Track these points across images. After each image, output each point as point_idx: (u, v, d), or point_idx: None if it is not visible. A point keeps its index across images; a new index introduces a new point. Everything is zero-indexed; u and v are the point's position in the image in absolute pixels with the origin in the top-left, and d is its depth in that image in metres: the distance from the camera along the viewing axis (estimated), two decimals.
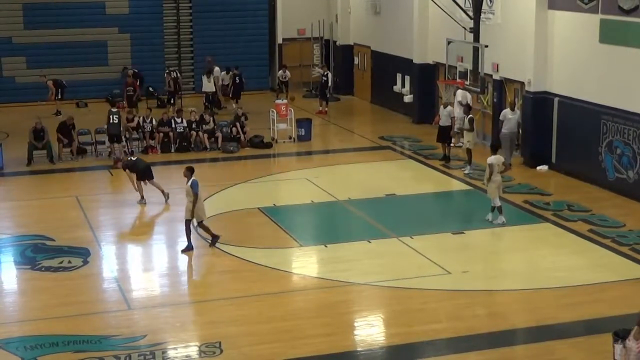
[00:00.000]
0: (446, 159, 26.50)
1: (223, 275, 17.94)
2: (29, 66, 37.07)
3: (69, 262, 18.57)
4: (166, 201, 22.75)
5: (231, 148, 28.41)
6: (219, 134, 28.76)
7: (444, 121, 26.72)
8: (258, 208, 22.19)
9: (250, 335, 14.95)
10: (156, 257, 19.48)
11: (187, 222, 19.09)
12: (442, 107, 27.43)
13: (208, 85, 35.21)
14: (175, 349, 14.52)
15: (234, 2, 39.18)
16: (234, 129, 29.00)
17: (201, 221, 19.18)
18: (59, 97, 34.66)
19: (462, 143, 25.97)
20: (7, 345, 14.52)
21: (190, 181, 18.94)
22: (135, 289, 17.46)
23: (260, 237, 20.06)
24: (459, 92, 27.87)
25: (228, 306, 16.22)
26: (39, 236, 20.15)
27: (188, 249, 19.01)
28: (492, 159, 20.71)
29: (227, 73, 36.38)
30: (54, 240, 19.89)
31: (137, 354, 14.15)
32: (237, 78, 35.78)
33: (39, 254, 19.05)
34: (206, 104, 34.01)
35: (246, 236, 20.09)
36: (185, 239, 19.10)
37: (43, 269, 18.20)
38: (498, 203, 20.70)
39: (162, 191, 22.88)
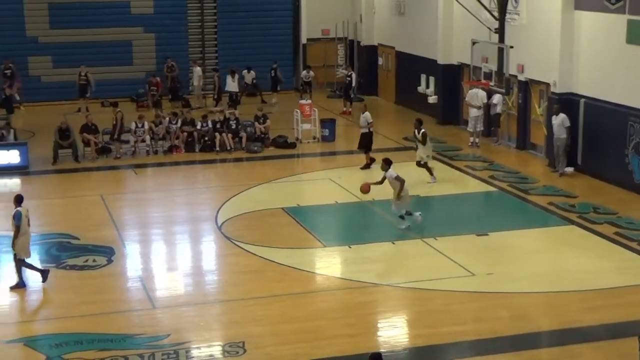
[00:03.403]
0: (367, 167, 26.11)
1: (247, 275, 17.95)
2: (54, 65, 37.30)
3: (94, 260, 18.65)
4: None
5: (255, 148, 28.45)
6: (243, 134, 28.80)
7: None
8: (282, 208, 22.20)
9: (274, 335, 14.96)
10: (180, 257, 19.52)
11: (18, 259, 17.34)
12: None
13: (232, 85, 35.39)
14: (198, 348, 14.55)
15: (259, 2, 39.26)
16: (257, 128, 29.10)
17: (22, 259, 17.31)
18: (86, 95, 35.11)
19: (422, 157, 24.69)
20: (33, 343, 14.62)
21: (15, 211, 17.05)
22: (159, 288, 17.51)
23: (284, 237, 20.07)
24: (473, 91, 28.17)
25: (251, 306, 16.24)
26: (64, 235, 20.26)
27: (18, 286, 17.22)
28: (392, 172, 20.45)
29: (248, 72, 36.99)
30: (78, 238, 19.98)
31: (161, 353, 14.19)
32: (273, 72, 37.18)
33: (64, 252, 19.16)
34: (230, 103, 34.13)
35: (270, 236, 20.10)
36: None
37: (68, 267, 18.30)
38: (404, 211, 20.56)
39: None
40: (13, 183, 25.66)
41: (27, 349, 14.44)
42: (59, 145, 27.22)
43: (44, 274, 17.36)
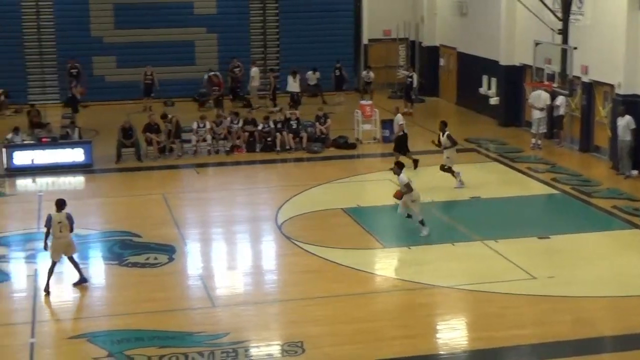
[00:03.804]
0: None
1: (306, 275, 17.98)
2: (118, 65, 37.81)
3: (155, 258, 18.85)
4: None
5: (315, 148, 28.51)
6: (303, 134, 28.88)
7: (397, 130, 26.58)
8: (341, 209, 22.20)
9: (332, 335, 14.97)
10: (240, 256, 19.63)
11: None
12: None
13: (293, 85, 35.53)
14: (257, 347, 14.61)
15: (320, 3, 39.34)
16: (318, 128, 29.17)
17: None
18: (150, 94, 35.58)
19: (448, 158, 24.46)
20: (95, 339, 14.81)
21: (48, 215, 17.22)
22: (219, 287, 17.64)
23: (343, 238, 20.07)
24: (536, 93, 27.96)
25: (310, 306, 16.26)
26: (126, 232, 20.51)
27: (80, 282, 17.41)
28: (403, 177, 20.10)
29: (314, 73, 37.18)
30: (140, 237, 20.21)
31: (220, 352, 14.28)
32: (337, 71, 37.38)
33: (127, 250, 19.39)
34: (291, 103, 34.26)
35: (329, 236, 20.11)
36: None
37: (130, 264, 18.53)
38: (421, 216, 20.20)
39: None
40: (77, 181, 26.09)
41: (90, 344, 14.63)
42: (122, 144, 27.58)
43: (46, 289, 16.88)
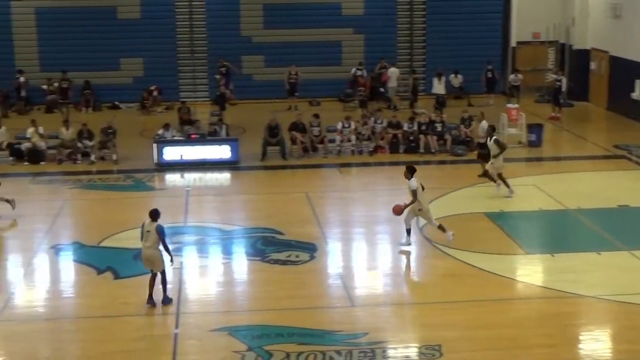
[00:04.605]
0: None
1: (445, 278, 17.87)
2: (266, 64, 38.46)
3: (297, 256, 19.09)
4: (13, 208, 22.11)
5: (459, 151, 28.28)
6: (448, 137, 28.69)
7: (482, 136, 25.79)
8: (484, 213, 21.96)
9: (470, 340, 14.83)
10: (380, 256, 19.67)
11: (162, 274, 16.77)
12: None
13: (438, 87, 35.35)
14: (395, 348, 14.62)
15: (469, 5, 38.94)
16: (463, 131, 28.92)
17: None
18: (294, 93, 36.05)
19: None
20: (236, 333, 15.12)
21: (156, 225, 16.47)
22: (358, 287, 17.72)
23: (485, 242, 19.83)
24: None
25: (449, 309, 16.15)
26: (269, 229, 20.83)
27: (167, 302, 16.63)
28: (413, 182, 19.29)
29: (455, 76, 36.98)
30: (283, 234, 20.50)
31: (358, 351, 14.35)
32: (488, 72, 37.07)
33: (269, 246, 19.71)
34: (435, 105, 34.09)
35: (470, 240, 19.91)
36: None
37: (272, 261, 18.82)
38: (408, 226, 19.49)
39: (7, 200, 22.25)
40: (223, 177, 26.70)
41: (230, 338, 14.95)
42: (267, 142, 28.05)
43: (149, 300, 16.36)
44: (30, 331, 15.50)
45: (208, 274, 18.52)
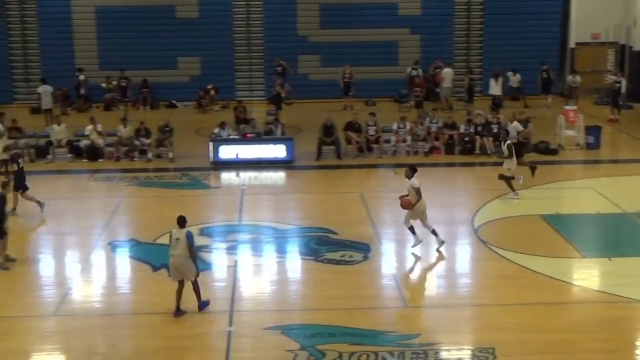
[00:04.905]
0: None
1: (500, 280, 17.73)
2: (322, 64, 38.51)
3: (350, 256, 19.09)
4: (42, 211, 22.19)
5: None
6: (503, 138, 28.39)
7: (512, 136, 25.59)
8: (540, 215, 21.74)
9: (525, 344, 14.69)
10: (434, 258, 19.57)
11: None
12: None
13: (495, 88, 35.09)
14: (448, 350, 14.55)
15: (528, 5, 38.61)
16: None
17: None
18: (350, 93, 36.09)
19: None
20: (288, 332, 15.16)
21: (185, 232, 15.99)
22: (412, 287, 17.68)
23: (541, 245, 19.64)
24: None
25: (503, 312, 16.03)
26: (323, 229, 20.85)
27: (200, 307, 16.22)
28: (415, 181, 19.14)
29: (514, 74, 36.69)
30: (337, 234, 20.51)
31: (411, 352, 14.31)
32: (544, 73, 36.82)
33: (323, 246, 19.73)
34: (492, 106, 33.83)
35: (526, 243, 19.73)
36: None
37: (325, 261, 18.83)
38: (408, 226, 19.31)
39: (38, 202, 22.21)
40: (278, 176, 26.81)
41: (283, 337, 14.99)
42: (322, 141, 28.08)
43: (175, 311, 15.94)
44: (87, 326, 15.71)
45: (262, 273, 18.60)
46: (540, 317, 15.77)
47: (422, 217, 19.38)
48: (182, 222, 15.92)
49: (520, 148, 25.61)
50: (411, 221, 19.43)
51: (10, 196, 20.52)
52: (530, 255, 18.88)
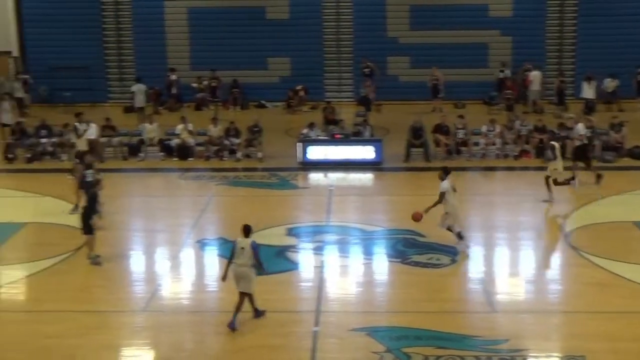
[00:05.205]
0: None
1: (590, 287, 17.39)
2: (411, 66, 38.37)
3: (438, 259, 18.97)
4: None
5: (609, 157, 27.50)
6: (597, 143, 27.91)
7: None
8: (633, 222, 21.27)
9: (616, 353, 14.38)
10: (523, 262, 19.34)
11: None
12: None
13: (588, 92, 34.47)
14: (536, 357, 14.35)
15: (622, 7, 37.80)
16: (613, 136, 28.13)
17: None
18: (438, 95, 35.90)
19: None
20: (375, 334, 15.13)
21: (251, 241, 15.67)
22: (500, 292, 17.45)
23: (634, 252, 19.20)
24: None
25: (594, 320, 15.72)
26: (410, 231, 20.73)
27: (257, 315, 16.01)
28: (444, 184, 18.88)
29: (612, 80, 35.91)
30: (424, 236, 20.38)
31: (498, 358, 14.15)
32: (639, 76, 36.33)
33: (410, 248, 19.65)
34: (585, 110, 33.22)
35: (618, 249, 19.30)
36: None
37: (412, 263, 18.75)
38: (445, 227, 19.08)
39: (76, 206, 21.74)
40: (366, 178, 26.79)
41: (369, 338, 14.96)
42: (411, 143, 27.97)
43: (230, 324, 15.47)
44: (175, 322, 15.94)
45: (348, 274, 18.60)
46: (632, 325, 15.43)
47: (453, 220, 19.33)
48: (247, 231, 15.70)
49: (586, 152, 25.16)
50: (455, 226, 19.29)
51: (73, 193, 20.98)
52: (623, 262, 18.47)
